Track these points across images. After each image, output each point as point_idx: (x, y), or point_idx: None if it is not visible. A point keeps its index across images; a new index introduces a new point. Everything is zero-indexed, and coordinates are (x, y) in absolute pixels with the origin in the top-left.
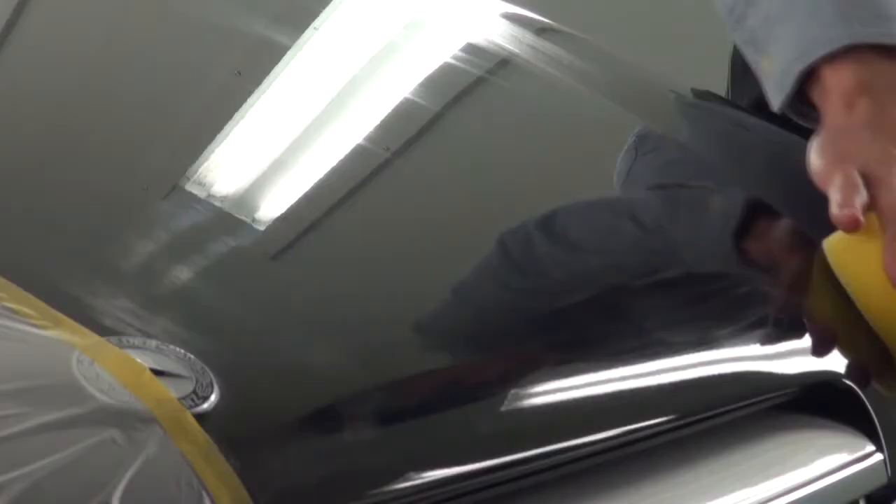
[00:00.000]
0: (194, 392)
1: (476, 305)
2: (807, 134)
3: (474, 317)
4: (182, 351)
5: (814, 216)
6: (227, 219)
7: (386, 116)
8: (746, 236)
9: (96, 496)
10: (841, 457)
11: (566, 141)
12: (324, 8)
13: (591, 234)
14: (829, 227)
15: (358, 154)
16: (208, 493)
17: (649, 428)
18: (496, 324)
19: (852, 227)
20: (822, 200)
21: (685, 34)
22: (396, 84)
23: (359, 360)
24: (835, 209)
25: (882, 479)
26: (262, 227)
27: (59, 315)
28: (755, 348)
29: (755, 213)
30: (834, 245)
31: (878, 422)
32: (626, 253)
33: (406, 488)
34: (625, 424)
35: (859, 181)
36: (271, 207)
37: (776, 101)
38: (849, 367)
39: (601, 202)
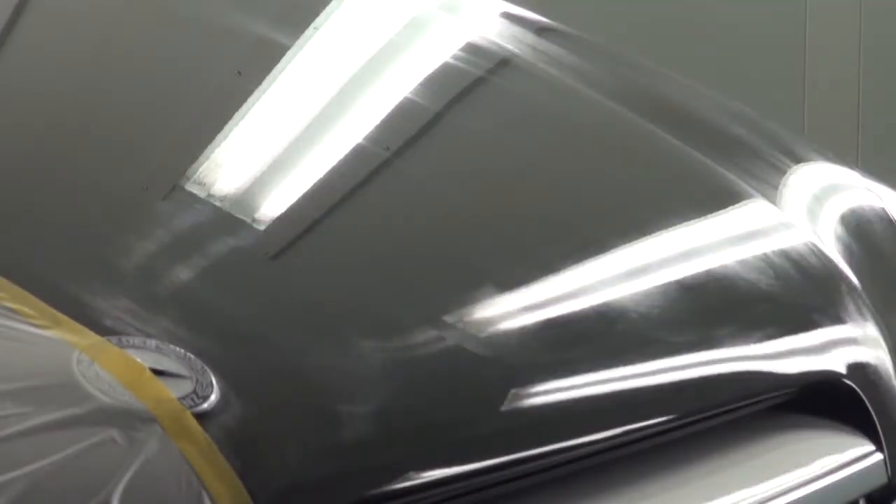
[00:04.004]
0: (194, 392)
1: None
2: None
3: (471, 317)
4: (182, 351)
5: None
6: (227, 219)
7: (386, 116)
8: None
9: (96, 496)
10: (841, 457)
11: (566, 141)
12: (324, 8)
13: None
14: None
15: (358, 154)
16: (208, 493)
17: (649, 428)
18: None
19: None
20: None
21: (685, 33)
22: (396, 84)
23: (359, 361)
24: None
25: (882, 479)
26: (262, 227)
27: (59, 315)
28: (755, 348)
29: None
30: None
31: (878, 422)
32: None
33: (406, 488)
34: (625, 424)
35: None
36: (271, 207)
37: None
38: (849, 366)
39: None
